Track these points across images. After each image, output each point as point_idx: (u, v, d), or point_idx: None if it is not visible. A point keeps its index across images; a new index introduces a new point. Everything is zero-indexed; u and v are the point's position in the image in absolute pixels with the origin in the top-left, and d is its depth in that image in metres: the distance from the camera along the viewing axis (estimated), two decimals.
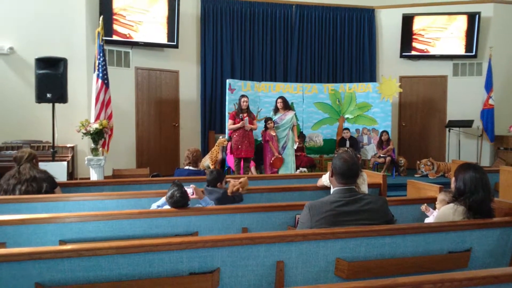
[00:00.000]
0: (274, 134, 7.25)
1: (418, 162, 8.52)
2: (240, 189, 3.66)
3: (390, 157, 8.18)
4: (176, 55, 8.74)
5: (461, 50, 9.40)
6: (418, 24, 9.48)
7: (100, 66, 6.27)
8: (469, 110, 9.22)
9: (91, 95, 6.64)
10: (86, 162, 5.83)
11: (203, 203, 3.28)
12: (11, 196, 3.51)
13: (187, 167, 4.81)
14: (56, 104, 6.01)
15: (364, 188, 3.85)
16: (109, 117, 6.31)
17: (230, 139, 7.09)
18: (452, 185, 2.89)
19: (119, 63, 8.09)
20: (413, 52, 9.54)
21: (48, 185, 3.73)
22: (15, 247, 2.44)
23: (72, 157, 7.06)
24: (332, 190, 2.62)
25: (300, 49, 9.55)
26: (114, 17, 7.86)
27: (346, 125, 8.67)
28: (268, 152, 7.27)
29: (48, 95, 5.81)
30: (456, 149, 9.30)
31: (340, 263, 2.34)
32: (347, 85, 8.80)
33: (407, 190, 4.27)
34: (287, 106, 7.46)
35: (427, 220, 3.21)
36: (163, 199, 3.13)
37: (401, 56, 9.58)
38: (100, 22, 6.43)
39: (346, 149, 4.41)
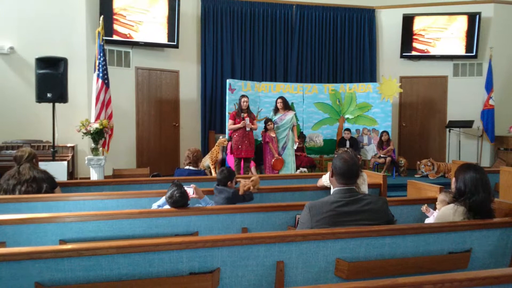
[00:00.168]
0: (273, 135, 7.26)
1: (418, 162, 8.52)
2: (251, 187, 3.64)
3: (390, 157, 8.18)
4: (176, 55, 8.74)
5: (461, 51, 9.40)
6: (418, 24, 9.48)
7: (100, 66, 6.27)
8: (469, 110, 9.22)
9: (91, 95, 6.65)
10: (86, 161, 5.83)
11: (203, 203, 3.28)
12: (11, 196, 3.50)
13: (187, 167, 4.81)
14: (56, 104, 6.02)
15: (364, 188, 3.85)
16: (109, 117, 6.32)
17: (230, 139, 7.09)
18: (453, 186, 2.89)
19: (120, 63, 8.09)
20: (414, 52, 9.54)
21: (48, 185, 3.71)
22: (15, 247, 2.43)
23: (72, 156, 7.06)
24: (332, 190, 2.62)
25: (300, 49, 9.55)
26: (115, 17, 7.86)
27: (346, 125, 8.67)
28: (268, 154, 7.27)
29: (49, 95, 5.82)
30: (456, 150, 9.29)
31: (340, 263, 2.34)
32: (347, 85, 8.80)
33: (407, 191, 4.28)
34: (287, 106, 7.46)
35: (427, 221, 3.20)
36: (164, 199, 3.13)
37: (402, 56, 9.58)
38: (101, 22, 6.43)
39: (346, 149, 4.41)
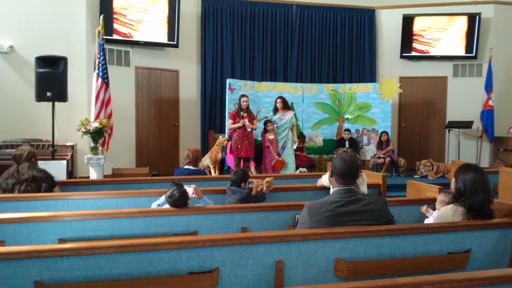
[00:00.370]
0: (272, 137, 7.27)
1: (417, 162, 8.52)
2: (265, 188, 3.66)
3: (390, 157, 8.18)
4: (176, 55, 8.73)
5: (461, 51, 9.40)
6: (418, 25, 9.48)
7: (100, 65, 6.27)
8: (469, 111, 9.22)
9: (91, 94, 6.64)
10: (85, 161, 5.83)
11: (202, 203, 3.28)
12: (11, 195, 3.50)
13: (187, 167, 4.82)
14: (56, 103, 6.02)
15: (364, 189, 3.85)
16: (109, 116, 6.31)
17: (230, 138, 7.09)
18: (452, 186, 2.89)
19: (119, 62, 8.09)
20: (413, 53, 9.54)
21: (47, 184, 3.71)
22: (14, 246, 2.43)
23: (72, 156, 7.05)
24: (331, 190, 2.62)
25: (300, 49, 9.55)
26: (115, 16, 7.86)
27: (346, 125, 8.67)
28: (268, 157, 7.27)
29: (48, 94, 5.81)
30: (456, 150, 9.30)
31: (339, 263, 2.34)
32: (347, 85, 8.80)
33: (407, 191, 4.28)
34: (286, 106, 7.47)
35: (426, 221, 3.21)
36: (163, 198, 3.13)
37: (401, 57, 9.58)
38: (101, 21, 6.43)
39: (345, 149, 4.42)
